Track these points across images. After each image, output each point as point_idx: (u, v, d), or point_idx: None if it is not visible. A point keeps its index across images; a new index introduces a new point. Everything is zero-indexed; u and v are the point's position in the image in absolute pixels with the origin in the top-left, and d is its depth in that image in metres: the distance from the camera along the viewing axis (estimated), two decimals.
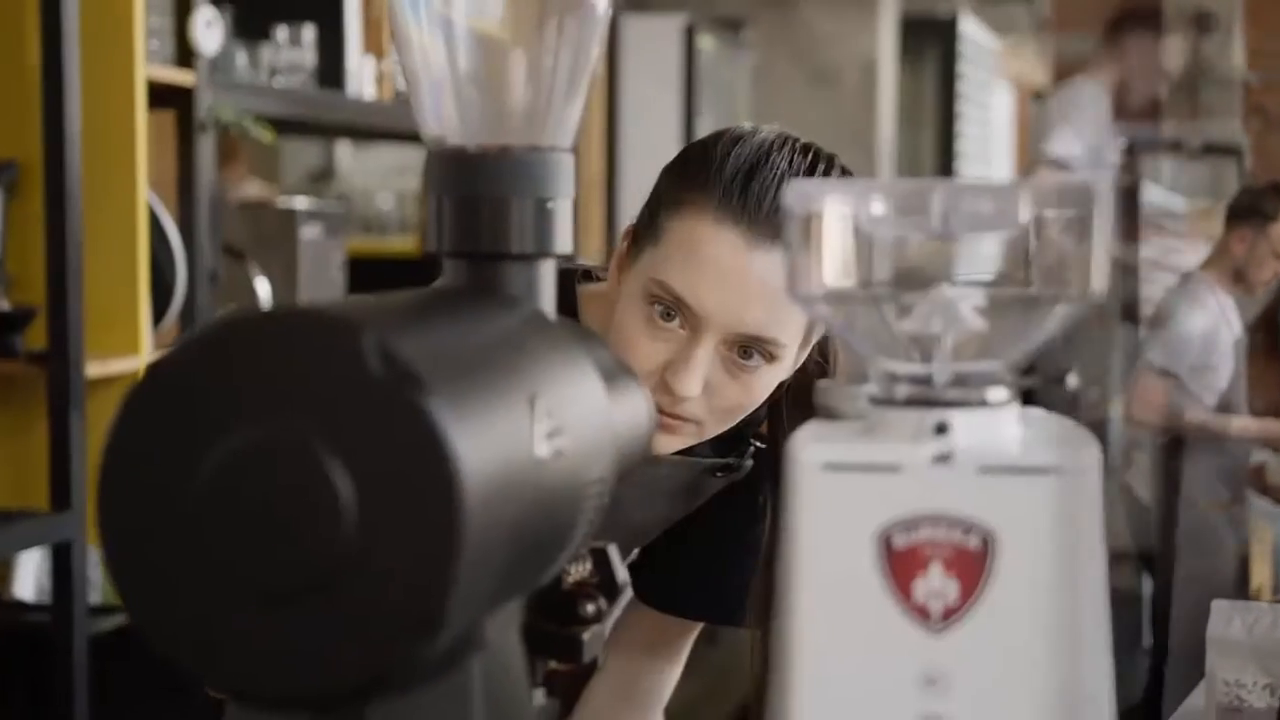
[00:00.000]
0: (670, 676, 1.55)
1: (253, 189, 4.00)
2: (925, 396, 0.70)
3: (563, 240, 0.80)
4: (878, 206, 0.70)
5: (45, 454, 2.35)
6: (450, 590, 0.59)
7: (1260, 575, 4.20)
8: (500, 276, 0.79)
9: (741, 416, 1.29)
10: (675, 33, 4.94)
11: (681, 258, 1.23)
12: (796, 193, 0.70)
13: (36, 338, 2.40)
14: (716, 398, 1.25)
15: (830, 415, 0.77)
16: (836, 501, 0.68)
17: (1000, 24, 8.74)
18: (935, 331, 0.71)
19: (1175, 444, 4.32)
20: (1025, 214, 0.68)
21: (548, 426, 0.69)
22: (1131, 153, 5.57)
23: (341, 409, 0.60)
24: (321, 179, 5.30)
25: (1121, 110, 4.48)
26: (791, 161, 1.24)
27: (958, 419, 0.68)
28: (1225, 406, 4.27)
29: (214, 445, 0.61)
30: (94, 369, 2.42)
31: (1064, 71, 9.94)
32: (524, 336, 0.74)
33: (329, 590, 0.59)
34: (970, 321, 0.70)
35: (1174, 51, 4.33)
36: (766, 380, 1.27)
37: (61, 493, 2.33)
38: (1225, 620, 1.89)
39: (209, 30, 2.64)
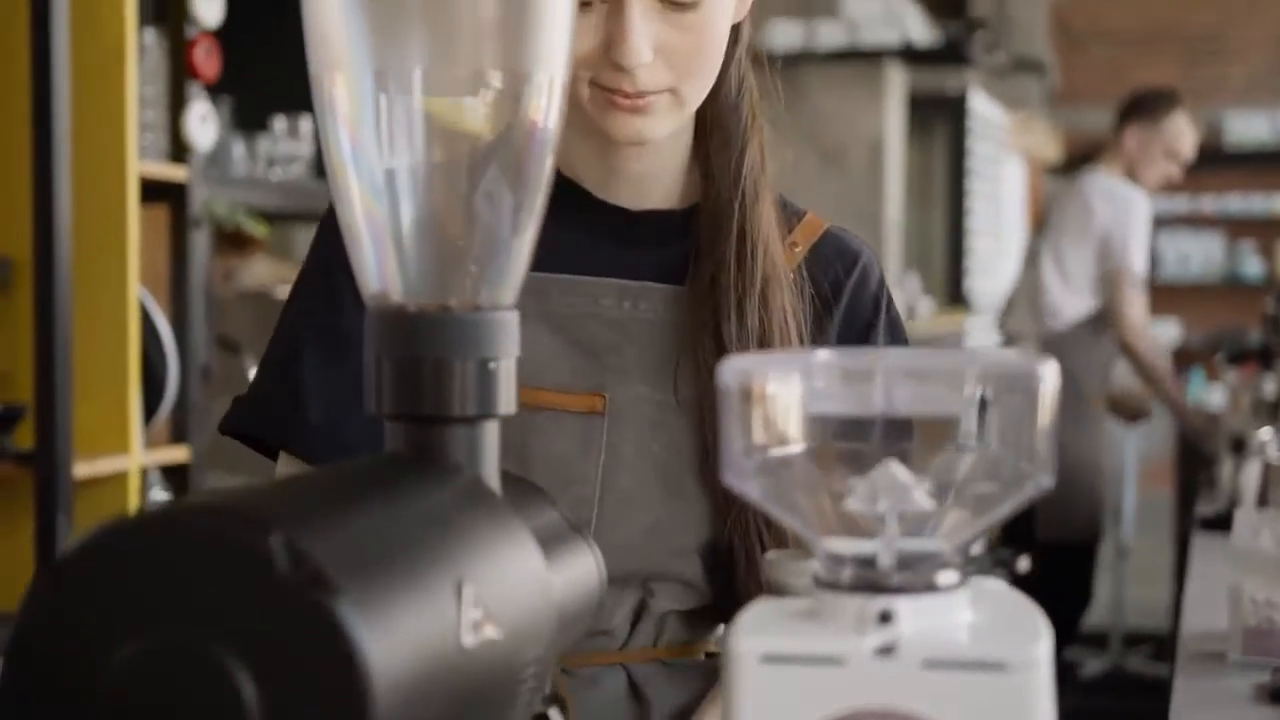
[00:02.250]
0: None
1: (262, 267, 3.99)
2: (870, 581, 0.67)
3: (506, 401, 0.78)
4: (818, 383, 0.67)
5: (32, 556, 2.33)
6: None
7: None
8: (441, 440, 0.77)
9: (713, 68, 1.20)
10: None
11: None
12: (732, 368, 0.67)
13: (25, 437, 2.38)
14: (673, 55, 1.17)
15: (777, 590, 0.74)
16: (776, 695, 0.65)
17: (1010, 98, 8.75)
18: (880, 511, 0.68)
19: (1068, 335, 4.37)
20: (968, 393, 0.65)
21: (476, 613, 0.66)
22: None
23: (248, 612, 0.58)
24: None
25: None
26: None
27: (903, 606, 0.66)
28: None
29: (118, 648, 0.59)
30: (83, 469, 2.40)
31: (1075, 144, 9.98)
32: (457, 513, 0.72)
33: None
34: (918, 502, 0.68)
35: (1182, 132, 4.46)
36: (714, 15, 1.18)
37: None
38: (1251, 530, 1.71)
39: (203, 125, 2.63)
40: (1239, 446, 3.18)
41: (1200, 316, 10.12)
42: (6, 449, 2.36)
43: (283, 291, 3.38)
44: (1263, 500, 2.79)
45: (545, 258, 1.23)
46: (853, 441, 0.68)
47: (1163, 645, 5.08)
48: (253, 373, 2.80)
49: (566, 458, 1.19)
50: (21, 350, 2.40)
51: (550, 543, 0.78)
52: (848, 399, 0.67)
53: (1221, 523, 2.71)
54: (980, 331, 7.07)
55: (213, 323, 2.80)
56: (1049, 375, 0.65)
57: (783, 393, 0.67)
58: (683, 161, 1.29)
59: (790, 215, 1.30)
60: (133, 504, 2.49)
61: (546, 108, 0.78)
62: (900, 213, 5.90)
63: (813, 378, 0.67)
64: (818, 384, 0.67)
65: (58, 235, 2.36)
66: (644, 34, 1.15)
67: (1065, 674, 4.86)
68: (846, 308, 1.27)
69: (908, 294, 5.94)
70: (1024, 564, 3.57)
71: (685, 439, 1.20)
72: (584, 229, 1.26)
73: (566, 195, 1.27)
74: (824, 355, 0.69)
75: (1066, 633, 4.43)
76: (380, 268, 0.78)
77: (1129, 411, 5.08)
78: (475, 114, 0.78)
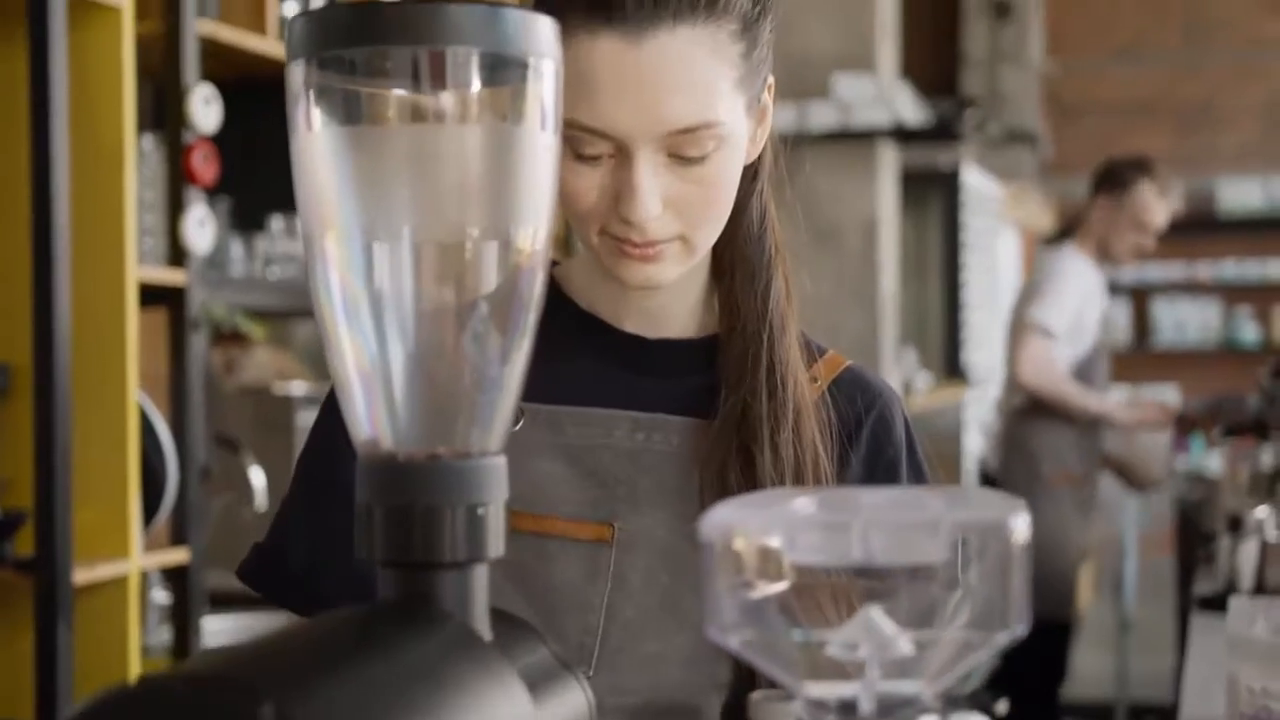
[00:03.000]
0: None
1: (263, 358, 4.02)
2: None
3: (495, 545, 0.79)
4: (797, 534, 0.69)
5: (31, 664, 2.33)
6: None
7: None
8: (432, 586, 0.78)
9: (723, 215, 1.19)
10: None
11: (574, 87, 1.10)
12: (712, 523, 0.69)
13: (25, 542, 2.39)
14: (683, 206, 1.16)
15: None
16: None
17: (1003, 169, 8.82)
18: (861, 657, 0.69)
19: (1027, 411, 4.36)
20: (944, 549, 0.67)
21: None
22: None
23: None
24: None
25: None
26: None
27: None
28: (1082, 378, 4.35)
29: None
30: (82, 575, 2.41)
31: (1068, 214, 10.05)
32: (445, 663, 0.73)
33: None
34: (898, 648, 0.69)
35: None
36: (724, 166, 1.17)
37: (47, 705, 2.31)
38: (1247, 619, 1.70)
39: (201, 229, 2.66)
40: (1235, 525, 3.18)
41: (1198, 383, 10.14)
42: (6, 556, 2.37)
43: (282, 386, 3.42)
44: (1260, 581, 2.79)
45: (561, 388, 1.25)
46: (834, 588, 0.70)
47: (1168, 717, 5.06)
48: (252, 471, 2.81)
49: (573, 585, 1.20)
50: (21, 456, 2.42)
51: (540, 683, 0.80)
52: (827, 549, 0.69)
53: (1219, 603, 2.71)
54: (978, 404, 7.09)
55: (212, 420, 2.82)
56: (1019, 525, 0.67)
57: (763, 544, 0.69)
58: (700, 292, 1.29)
59: (812, 350, 1.30)
60: (133, 609, 2.49)
61: (531, 259, 0.80)
62: (895, 287, 5.94)
63: (793, 529, 0.69)
64: (797, 535, 0.69)
65: (57, 341, 2.39)
66: (652, 189, 1.14)
67: None
68: (868, 446, 1.27)
69: (904, 369, 5.96)
70: (1002, 707, 3.58)
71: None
72: (599, 358, 1.27)
73: (583, 325, 1.28)
74: (803, 505, 0.71)
75: (1046, 708, 4.41)
76: (370, 416, 0.80)
77: (1136, 480, 5.07)
78: (463, 267, 0.80)
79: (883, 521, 0.68)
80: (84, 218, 2.48)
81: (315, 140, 0.78)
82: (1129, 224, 4.45)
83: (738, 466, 1.19)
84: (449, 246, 0.80)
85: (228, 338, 3.32)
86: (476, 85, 0.78)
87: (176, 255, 2.67)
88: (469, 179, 0.79)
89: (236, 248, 2.95)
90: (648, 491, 1.22)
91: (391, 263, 0.79)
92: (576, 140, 1.14)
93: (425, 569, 0.78)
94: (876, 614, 0.69)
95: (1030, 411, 4.38)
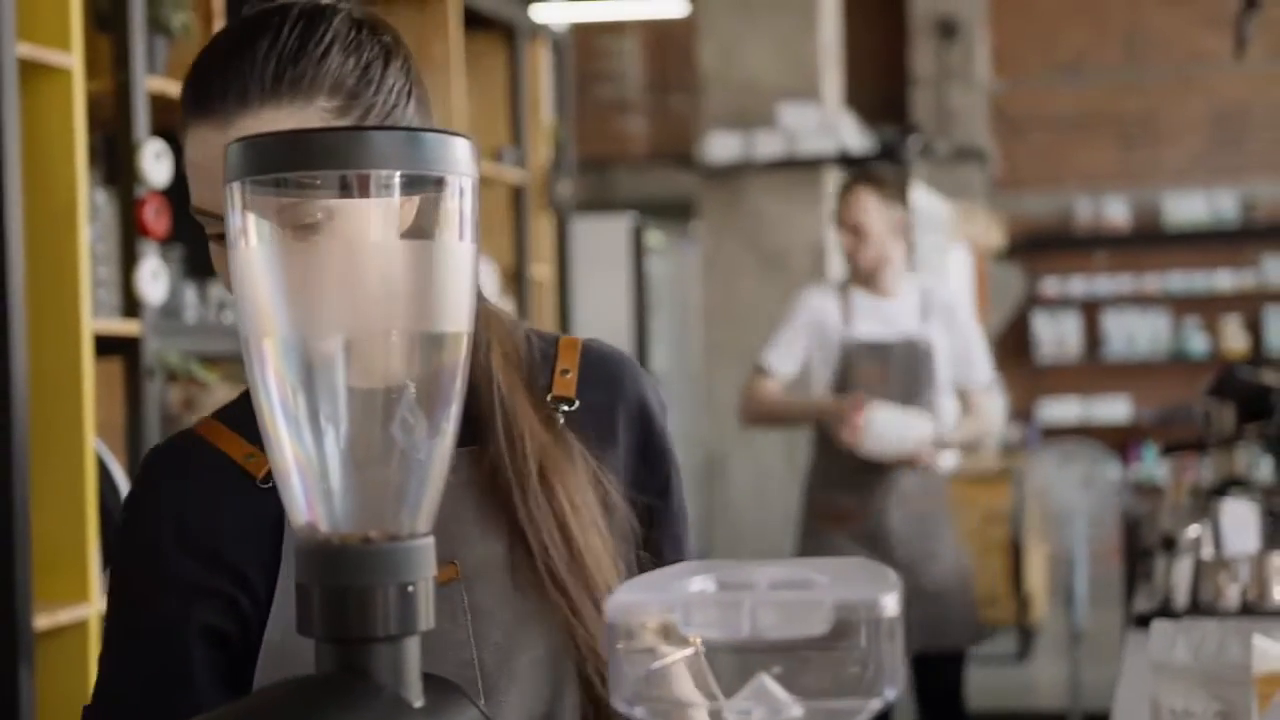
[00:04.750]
0: None
1: (222, 394, 4.06)
2: None
3: (425, 618, 0.87)
4: (693, 612, 0.77)
5: None
6: None
7: None
8: (367, 659, 0.85)
9: None
10: (624, 231, 5.07)
11: (189, 175, 1.20)
12: (618, 604, 0.76)
13: None
14: None
15: None
16: None
17: (953, 187, 8.94)
18: None
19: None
20: (825, 623, 0.75)
21: None
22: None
23: None
24: None
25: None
26: (270, 23, 1.20)
27: None
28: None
29: None
30: (43, 620, 2.46)
31: (1018, 230, 10.18)
32: None
33: None
34: (789, 712, 0.77)
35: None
36: (347, 239, 1.12)
37: None
38: (1168, 642, 1.76)
39: (154, 281, 2.72)
40: (1169, 544, 3.27)
41: (1148, 393, 10.31)
42: None
43: None
44: (1195, 599, 2.87)
45: None
46: (726, 658, 0.78)
47: None
48: None
49: (442, 627, 1.24)
50: None
51: None
52: (721, 624, 0.76)
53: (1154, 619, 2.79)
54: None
55: None
56: (890, 602, 0.75)
57: (662, 622, 0.77)
58: None
59: (545, 344, 1.35)
60: (94, 653, 2.55)
61: (454, 353, 0.88)
62: None
63: (689, 608, 0.76)
64: (693, 613, 0.76)
65: (15, 392, 2.45)
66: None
67: None
68: (625, 429, 1.34)
69: None
70: None
71: (528, 573, 1.28)
72: None
73: None
74: (698, 585, 0.78)
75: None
76: (308, 503, 0.87)
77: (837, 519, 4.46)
78: (390, 363, 0.87)
79: (772, 601, 0.76)
80: (39, 272, 2.53)
81: (251, 254, 0.85)
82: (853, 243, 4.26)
83: (510, 509, 1.27)
84: (376, 346, 0.87)
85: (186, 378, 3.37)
86: (398, 202, 0.86)
87: (130, 306, 2.73)
88: (394, 285, 0.87)
89: (190, 294, 3.01)
90: (469, 522, 1.28)
91: (323, 362, 0.86)
92: (204, 223, 1.22)
93: (360, 644, 0.85)
94: (768, 681, 0.77)
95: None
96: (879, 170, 4.28)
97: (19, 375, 2.45)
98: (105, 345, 2.69)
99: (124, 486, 2.66)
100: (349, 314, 0.87)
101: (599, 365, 1.35)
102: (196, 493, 1.28)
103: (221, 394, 4.03)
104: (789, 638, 0.77)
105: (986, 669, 6.58)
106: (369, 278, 0.86)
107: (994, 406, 4.39)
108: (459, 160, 0.86)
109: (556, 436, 1.30)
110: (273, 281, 0.86)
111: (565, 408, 1.31)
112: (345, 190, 0.85)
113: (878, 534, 4.11)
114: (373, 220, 0.87)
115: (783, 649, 0.77)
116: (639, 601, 0.77)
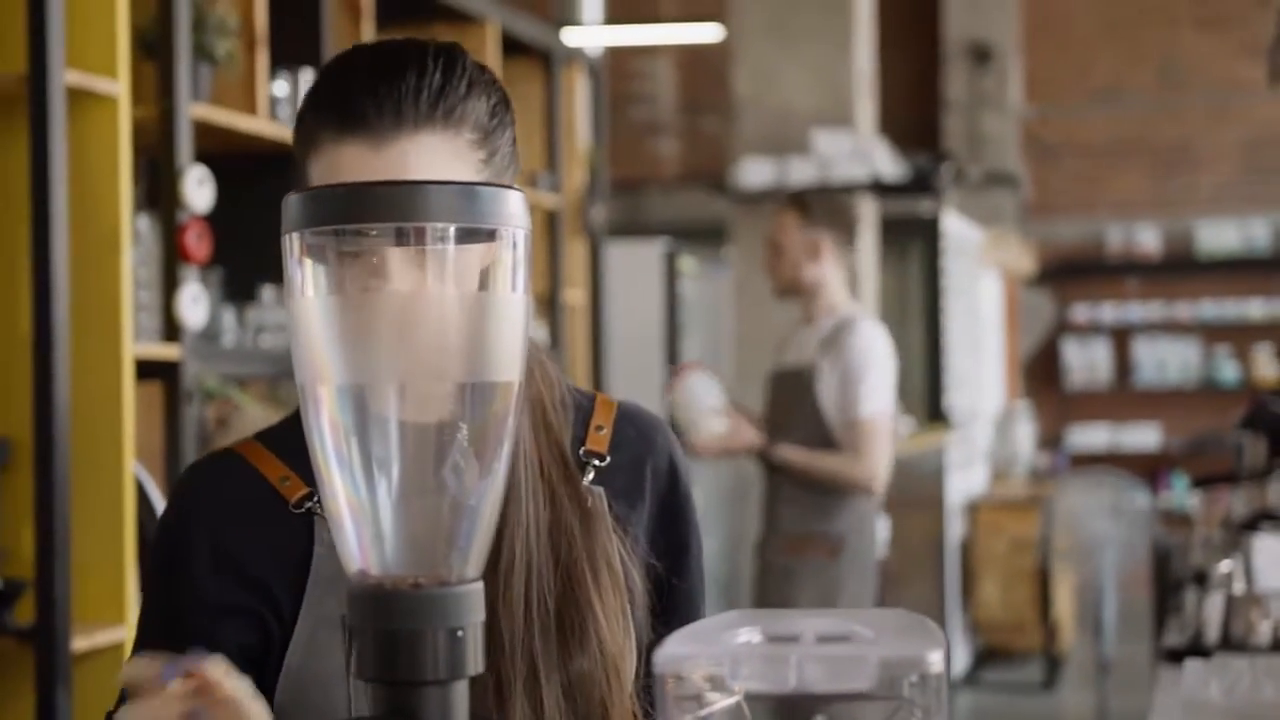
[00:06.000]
0: None
1: (256, 412, 4.09)
2: None
3: (474, 663, 0.88)
4: (741, 665, 0.78)
5: None
6: None
7: None
8: (416, 703, 0.87)
9: None
10: (657, 256, 5.08)
11: None
12: (667, 656, 0.78)
13: (25, 611, 2.47)
14: None
15: None
16: None
17: (984, 212, 8.93)
18: None
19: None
20: (871, 679, 0.76)
21: None
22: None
23: None
24: None
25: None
26: (403, 51, 1.21)
27: None
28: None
29: None
30: (81, 642, 2.49)
31: (1049, 256, 10.16)
32: None
33: None
34: None
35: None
36: None
37: None
38: (1201, 682, 1.76)
39: (195, 305, 2.75)
40: (1201, 578, 3.26)
41: (1178, 422, 10.26)
42: (8, 625, 2.45)
43: None
44: (1226, 635, 2.87)
45: None
46: (771, 709, 0.79)
47: None
48: None
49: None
50: (22, 527, 2.50)
51: None
52: (767, 678, 0.78)
53: (1187, 655, 2.78)
54: (959, 447, 7.18)
55: None
56: (936, 658, 0.76)
57: (710, 675, 0.78)
58: None
59: (580, 399, 1.36)
60: None
61: (505, 401, 0.90)
62: None
63: (736, 661, 0.78)
64: (740, 666, 0.78)
65: (57, 416, 2.47)
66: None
67: None
68: (651, 490, 1.35)
69: None
70: None
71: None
72: None
73: None
74: (744, 637, 0.80)
75: None
76: (360, 549, 0.89)
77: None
78: (443, 411, 0.89)
79: (817, 656, 0.77)
80: (83, 296, 2.56)
81: (309, 304, 0.87)
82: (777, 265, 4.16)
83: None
84: (430, 394, 0.89)
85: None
86: (453, 254, 0.87)
87: (171, 330, 2.76)
88: (448, 336, 0.89)
89: (229, 318, 3.04)
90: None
91: (377, 408, 0.88)
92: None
93: (409, 686, 0.87)
94: None
95: None
96: (810, 197, 4.23)
97: (61, 399, 2.47)
98: (145, 369, 2.72)
99: (160, 509, 2.68)
100: (403, 362, 0.89)
101: (632, 424, 1.36)
102: (230, 511, 1.29)
103: (254, 414, 4.06)
104: (835, 690, 0.78)
105: (1014, 696, 6.56)
106: (423, 328, 0.88)
107: (874, 449, 3.91)
108: (513, 213, 0.88)
109: (581, 499, 1.30)
110: (329, 330, 0.88)
111: (597, 463, 1.32)
112: (401, 241, 0.87)
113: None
114: (428, 271, 0.89)
115: (827, 700, 0.79)
116: (687, 654, 0.79)
